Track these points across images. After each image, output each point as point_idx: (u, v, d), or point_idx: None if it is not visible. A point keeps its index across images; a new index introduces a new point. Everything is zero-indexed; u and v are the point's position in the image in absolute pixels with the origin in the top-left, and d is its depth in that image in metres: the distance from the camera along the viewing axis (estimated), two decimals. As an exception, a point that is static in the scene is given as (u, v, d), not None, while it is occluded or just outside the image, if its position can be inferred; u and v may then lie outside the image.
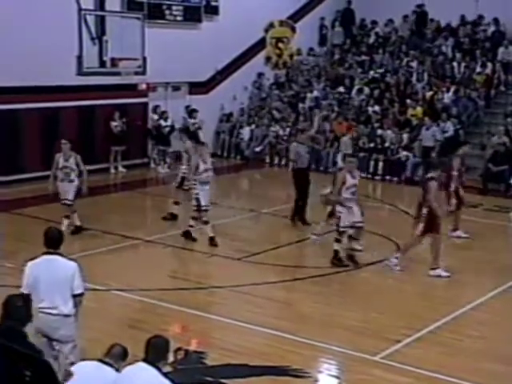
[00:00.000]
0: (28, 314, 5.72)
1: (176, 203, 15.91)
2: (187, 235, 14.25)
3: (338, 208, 12.75)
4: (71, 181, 14.19)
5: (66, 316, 7.25)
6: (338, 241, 12.89)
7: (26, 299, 5.85)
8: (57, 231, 7.55)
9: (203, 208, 13.98)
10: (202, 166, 13.91)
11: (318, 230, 14.29)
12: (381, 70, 25.25)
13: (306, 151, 15.55)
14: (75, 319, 7.38)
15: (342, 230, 12.75)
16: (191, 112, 22.78)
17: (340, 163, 15.61)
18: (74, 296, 7.29)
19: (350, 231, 12.90)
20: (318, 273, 12.54)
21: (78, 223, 14.50)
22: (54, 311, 7.19)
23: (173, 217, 15.81)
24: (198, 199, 13.93)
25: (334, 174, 14.18)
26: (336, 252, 12.89)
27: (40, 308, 7.18)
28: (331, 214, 13.56)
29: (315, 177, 19.27)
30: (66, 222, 14.20)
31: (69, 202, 14.28)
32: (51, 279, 7.19)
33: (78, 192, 14.32)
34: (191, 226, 14.24)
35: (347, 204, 12.64)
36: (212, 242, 13.97)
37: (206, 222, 14.09)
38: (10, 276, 11.33)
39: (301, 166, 15.40)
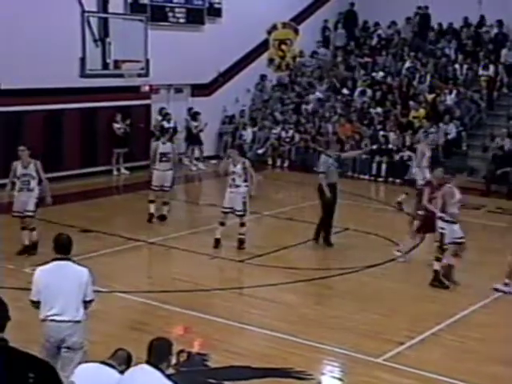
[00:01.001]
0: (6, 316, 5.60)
1: (165, 203, 15.96)
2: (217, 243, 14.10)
3: (441, 224, 11.86)
4: (30, 190, 12.89)
5: (78, 322, 7.16)
6: (438, 259, 11.96)
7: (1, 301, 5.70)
8: (66, 237, 7.40)
9: (221, 210, 13.97)
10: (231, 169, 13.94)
11: (402, 247, 13.51)
12: (383, 74, 25.23)
13: (336, 166, 14.40)
14: (85, 326, 7.33)
15: (444, 247, 11.90)
16: (194, 115, 22.84)
17: (427, 175, 14.46)
18: (85, 302, 7.23)
19: (452, 247, 12.08)
20: (320, 275, 12.55)
21: (34, 239, 13.15)
22: (65, 318, 7.07)
23: (162, 218, 15.86)
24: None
25: (420, 188, 13.77)
26: (436, 273, 11.99)
27: (50, 316, 7.08)
28: (420, 229, 13.02)
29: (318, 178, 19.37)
30: (26, 233, 13.21)
31: (30, 214, 13.01)
32: (63, 286, 7.07)
33: (38, 202, 13.14)
34: (242, 234, 14.05)
35: (450, 219, 11.83)
36: (216, 244, 13.95)
37: (222, 224, 14.03)
38: (10, 277, 11.37)
39: (330, 181, 14.20)
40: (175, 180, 16.13)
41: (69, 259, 7.26)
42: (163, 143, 15.95)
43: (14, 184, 13.01)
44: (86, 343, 7.34)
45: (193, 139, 23.08)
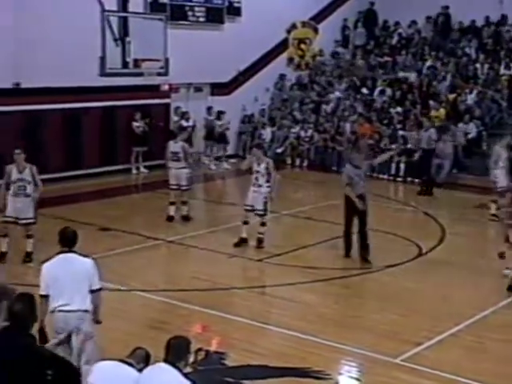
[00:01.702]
0: (33, 315, 5.67)
1: (184, 203, 15.94)
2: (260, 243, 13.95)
3: None
4: (27, 195, 12.49)
5: (85, 311, 7.35)
6: None
7: (29, 300, 5.78)
8: (71, 230, 7.65)
9: (244, 208, 13.98)
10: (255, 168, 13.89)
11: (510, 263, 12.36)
12: (404, 73, 25.10)
13: (362, 177, 13.33)
14: (92, 315, 7.49)
15: None
16: (218, 114, 22.89)
17: (503, 178, 14.08)
18: (92, 292, 7.42)
19: None
20: (339, 274, 12.52)
21: (30, 248, 12.68)
22: (73, 308, 7.26)
23: (185, 218, 15.85)
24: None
25: (502, 191, 13.47)
26: None
27: (58, 307, 7.25)
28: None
29: (337, 178, 19.32)
30: (5, 240, 12.71)
31: (31, 221, 12.63)
32: (69, 276, 7.30)
33: (37, 207, 12.81)
34: (261, 234, 13.98)
35: None
36: (238, 242, 13.89)
37: (245, 222, 14.01)
38: (28, 276, 11.43)
39: (356, 193, 13.16)
40: (192, 179, 16.10)
41: (74, 252, 7.49)
42: (175, 142, 15.99)
43: (7, 186, 12.50)
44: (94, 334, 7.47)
45: (218, 138, 23.11)
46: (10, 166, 12.55)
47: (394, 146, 21.32)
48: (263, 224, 13.90)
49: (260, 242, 13.88)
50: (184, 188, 15.83)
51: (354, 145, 22.12)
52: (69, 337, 7.22)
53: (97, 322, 7.58)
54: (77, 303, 7.29)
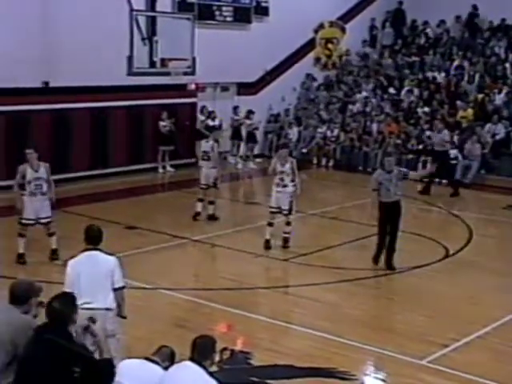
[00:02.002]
0: (72, 315, 5.72)
1: (212, 203, 15.95)
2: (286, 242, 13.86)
3: None
4: (44, 193, 12.36)
5: (108, 310, 7.39)
6: None
7: (70, 300, 5.85)
8: (97, 228, 7.69)
9: (269, 210, 13.88)
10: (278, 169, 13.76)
11: None
12: (438, 73, 24.92)
13: (394, 182, 12.55)
14: (117, 313, 7.52)
15: None
16: (248, 113, 22.92)
17: None
18: (115, 290, 7.46)
19: None
20: (365, 275, 12.46)
21: (54, 245, 12.69)
22: (95, 305, 7.26)
23: (210, 217, 15.85)
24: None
25: None
26: None
27: (82, 304, 7.07)
28: None
29: (363, 178, 19.25)
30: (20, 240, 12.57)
31: (50, 219, 12.58)
32: (92, 274, 7.36)
33: (52, 205, 12.70)
34: (287, 233, 13.90)
35: None
36: (266, 244, 13.79)
37: (270, 224, 13.87)
38: (56, 273, 11.49)
39: (384, 200, 12.58)
40: (218, 179, 16.11)
41: (99, 249, 7.54)
42: (206, 141, 16.05)
43: (22, 187, 12.39)
44: (119, 332, 7.51)
45: (246, 137, 23.16)
46: (24, 166, 12.34)
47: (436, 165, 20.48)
48: (288, 223, 13.87)
49: (286, 241, 13.86)
50: (212, 187, 15.84)
51: (381, 145, 22.02)
52: (85, 329, 7.08)
53: (122, 317, 7.60)
54: (99, 301, 7.32)
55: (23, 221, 12.46)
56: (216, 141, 16.38)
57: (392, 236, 12.68)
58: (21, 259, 12.50)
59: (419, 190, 19.03)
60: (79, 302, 7.12)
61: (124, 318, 7.67)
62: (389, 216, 12.57)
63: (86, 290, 7.27)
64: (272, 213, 13.86)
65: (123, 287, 7.58)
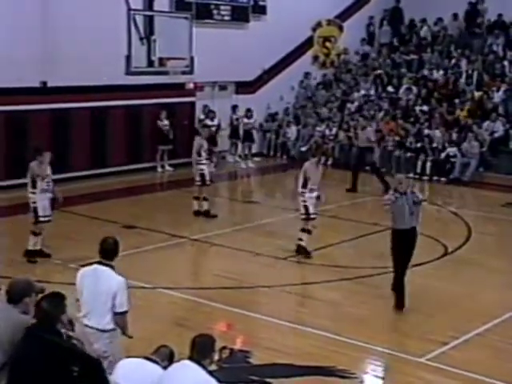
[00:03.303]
0: (60, 316, 5.63)
1: (201, 199, 16.02)
2: (300, 250, 13.29)
3: None
4: (50, 191, 12.50)
5: (100, 331, 6.96)
6: None
7: (59, 300, 5.75)
8: (113, 241, 7.16)
9: (311, 216, 13.36)
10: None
11: None
12: (436, 71, 24.91)
13: (409, 209, 10.69)
14: (113, 336, 7.04)
15: None
16: (247, 112, 22.90)
17: None
18: (116, 314, 6.95)
19: None
20: (364, 273, 12.45)
21: (39, 246, 12.55)
22: (89, 323, 6.97)
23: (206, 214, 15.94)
24: (306, 207, 13.19)
25: None
26: None
27: (80, 317, 7.02)
28: None
29: (361, 176, 19.26)
30: (34, 239, 12.53)
31: (51, 218, 12.59)
32: (93, 290, 6.96)
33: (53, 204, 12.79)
34: (301, 240, 13.39)
35: None
36: (305, 252, 13.25)
37: (309, 232, 13.37)
38: (57, 273, 11.48)
39: (399, 227, 10.82)
40: (205, 176, 16.06)
41: (110, 266, 7.04)
42: (200, 139, 16.14)
43: (34, 185, 12.37)
44: (113, 354, 6.90)
45: (244, 136, 23.14)
46: (35, 163, 12.32)
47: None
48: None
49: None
50: (205, 184, 15.89)
51: (379, 143, 21.98)
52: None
53: (128, 336, 7.17)
54: (92, 320, 6.96)
55: (41, 218, 12.37)
56: (209, 139, 16.37)
57: (405, 265, 10.92)
58: (37, 256, 12.33)
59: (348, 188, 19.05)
60: (78, 315, 6.98)
61: (130, 337, 7.21)
62: (407, 244, 10.84)
63: (85, 304, 7.03)
64: (313, 219, 13.37)
65: (125, 312, 7.00)
